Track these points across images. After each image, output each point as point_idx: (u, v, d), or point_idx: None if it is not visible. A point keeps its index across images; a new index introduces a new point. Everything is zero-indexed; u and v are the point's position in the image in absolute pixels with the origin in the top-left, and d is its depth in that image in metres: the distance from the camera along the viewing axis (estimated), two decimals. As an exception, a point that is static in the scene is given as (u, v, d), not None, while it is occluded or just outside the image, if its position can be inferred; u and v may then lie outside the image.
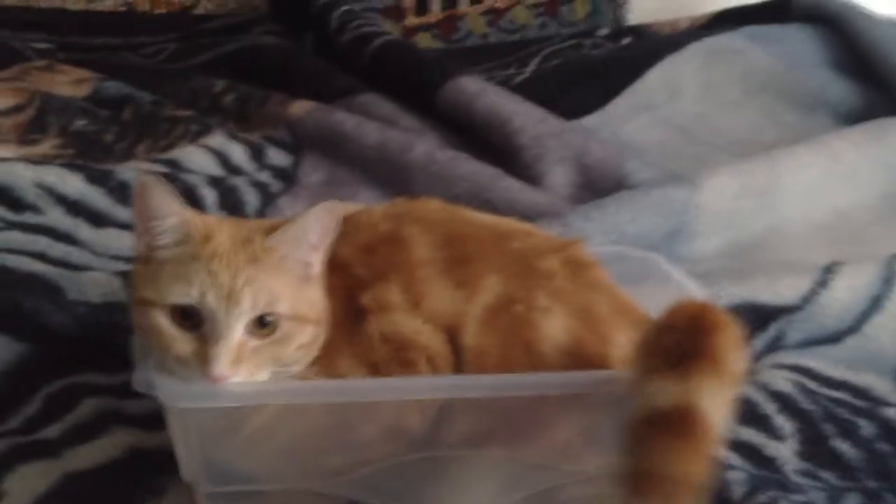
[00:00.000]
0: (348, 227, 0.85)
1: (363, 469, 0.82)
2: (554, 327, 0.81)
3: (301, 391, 0.80)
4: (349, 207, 0.95)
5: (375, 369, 0.81)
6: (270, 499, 0.85)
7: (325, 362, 0.80)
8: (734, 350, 0.74)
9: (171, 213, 0.76)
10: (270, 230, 0.78)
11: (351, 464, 0.82)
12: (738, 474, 0.94)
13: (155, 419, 0.96)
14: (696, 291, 0.93)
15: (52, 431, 0.97)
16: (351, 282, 0.83)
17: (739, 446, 1.00)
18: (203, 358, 0.74)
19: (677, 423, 0.71)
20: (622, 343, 0.81)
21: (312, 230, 0.78)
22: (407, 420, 0.81)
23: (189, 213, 0.78)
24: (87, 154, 1.50)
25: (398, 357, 0.81)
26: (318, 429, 0.81)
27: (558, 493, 0.86)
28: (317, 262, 0.79)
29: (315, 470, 0.83)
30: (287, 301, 0.76)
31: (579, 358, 0.80)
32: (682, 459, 0.71)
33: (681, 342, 0.73)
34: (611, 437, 0.80)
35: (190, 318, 0.75)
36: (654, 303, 0.80)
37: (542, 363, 0.80)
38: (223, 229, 0.78)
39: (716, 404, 0.72)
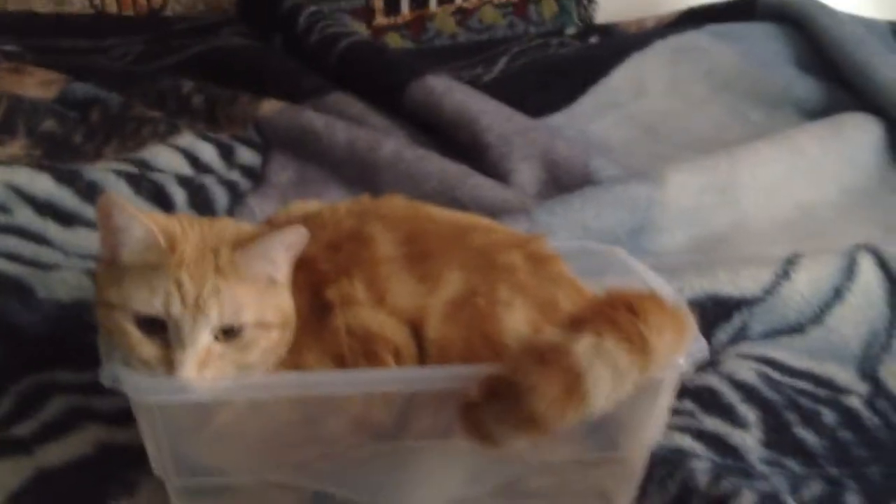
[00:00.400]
0: (313, 224, 0.85)
1: (330, 461, 0.83)
2: (516, 320, 0.82)
3: (268, 385, 0.80)
4: (314, 205, 0.96)
5: (342, 362, 0.81)
6: (240, 492, 0.86)
7: (292, 357, 0.81)
8: (663, 331, 0.77)
9: (135, 226, 0.76)
10: (238, 240, 0.78)
11: (318, 456, 0.83)
12: (703, 463, 0.95)
13: (125, 415, 0.94)
14: (657, 283, 0.94)
15: (22, 429, 0.97)
16: (316, 278, 0.83)
17: (704, 435, 1.01)
18: (168, 363, 0.75)
19: (547, 354, 0.74)
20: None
21: (279, 249, 0.78)
22: (373, 412, 0.82)
23: (154, 220, 0.77)
24: (55, 155, 1.49)
25: (364, 350, 0.82)
26: (286, 423, 0.81)
27: (523, 483, 0.88)
28: (283, 270, 0.80)
29: (283, 463, 0.83)
30: (252, 309, 0.77)
31: None
32: (534, 377, 0.73)
33: (597, 311, 0.77)
34: (573, 429, 0.81)
35: (155, 323, 0.75)
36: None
37: (503, 355, 0.79)
38: (188, 237, 0.78)
39: (602, 368, 0.74)
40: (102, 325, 0.79)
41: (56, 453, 0.93)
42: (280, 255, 0.78)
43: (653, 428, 0.87)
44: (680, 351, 0.81)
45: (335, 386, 0.80)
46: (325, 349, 0.82)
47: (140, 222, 0.76)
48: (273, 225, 0.92)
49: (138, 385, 0.77)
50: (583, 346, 0.75)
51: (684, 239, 1.39)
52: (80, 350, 1.01)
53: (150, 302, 0.75)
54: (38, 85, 1.69)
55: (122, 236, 0.76)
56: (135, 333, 0.76)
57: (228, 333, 0.76)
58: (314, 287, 0.83)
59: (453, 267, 0.84)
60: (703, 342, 0.85)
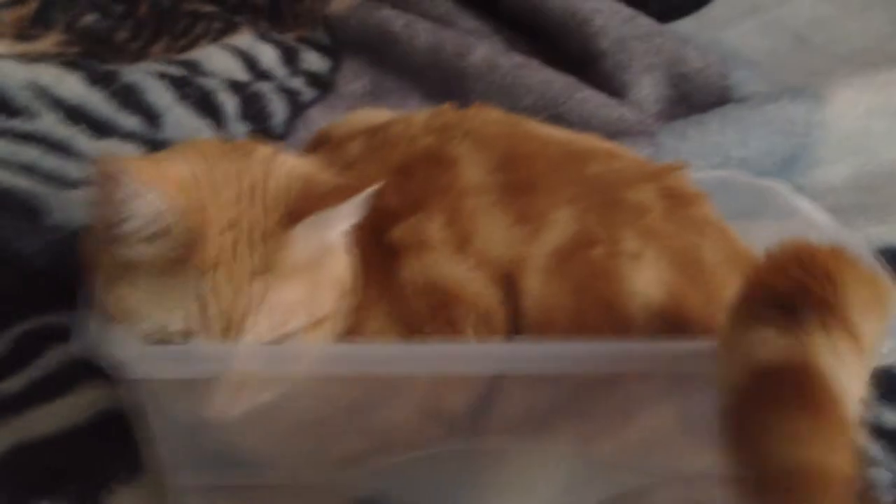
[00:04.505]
0: (381, 140, 0.76)
1: (385, 459, 0.72)
2: (645, 279, 0.70)
3: (307, 357, 0.66)
4: (383, 115, 0.85)
5: (409, 328, 0.69)
6: (257, 493, 0.74)
7: (350, 320, 0.69)
8: (868, 310, 0.61)
9: (149, 199, 0.61)
10: (289, 199, 0.64)
11: (370, 451, 0.72)
12: (885, 473, 0.82)
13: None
14: (832, 230, 0.82)
15: (11, 385, 0.85)
16: (379, 213, 0.69)
17: (884, 434, 0.87)
18: (194, 394, 0.63)
19: (792, 387, 0.56)
20: (736, 303, 0.69)
21: (346, 216, 0.65)
22: (444, 398, 0.70)
23: (172, 181, 0.62)
24: (94, 53, 1.38)
25: (438, 314, 0.69)
26: (330, 407, 0.70)
27: (643, 499, 0.76)
28: (342, 229, 0.67)
29: (323, 458, 0.72)
30: (303, 310, 0.64)
31: (678, 321, 0.69)
32: (807, 441, 0.55)
33: (792, 286, 0.60)
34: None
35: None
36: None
37: (627, 326, 0.68)
38: (217, 215, 0.63)
39: (844, 370, 0.57)
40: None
41: (42, 421, 0.82)
42: (344, 220, 0.66)
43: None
44: (883, 333, 0.64)
45: (396, 362, 0.67)
46: (390, 311, 0.70)
47: (155, 195, 0.61)
48: (329, 142, 0.81)
49: (127, 354, 0.62)
50: (822, 357, 0.57)
51: (848, 172, 1.24)
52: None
53: (166, 321, 0.61)
54: (80, -27, 1.61)
55: (127, 210, 0.61)
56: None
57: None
58: (377, 225, 0.70)
59: (562, 203, 0.72)
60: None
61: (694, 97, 1.34)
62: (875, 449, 0.84)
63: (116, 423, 0.80)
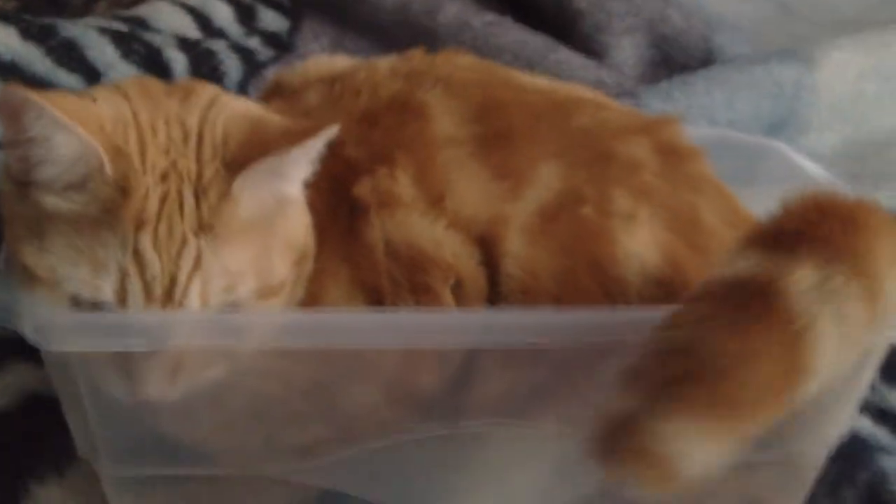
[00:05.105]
0: (340, 88, 0.71)
1: (349, 448, 0.66)
2: (639, 241, 0.66)
3: (259, 329, 0.59)
4: (342, 61, 0.79)
5: (378, 296, 0.65)
6: (203, 486, 0.67)
7: (308, 287, 0.65)
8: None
9: (64, 140, 0.55)
10: (232, 144, 0.58)
11: (331, 439, 0.66)
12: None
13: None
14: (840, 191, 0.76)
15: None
16: (341, 167, 0.65)
17: (888, 417, 0.84)
18: (126, 372, 0.57)
19: (750, 297, 0.55)
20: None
21: (301, 162, 0.59)
22: (417, 377, 0.65)
23: (93, 119, 0.57)
24: (35, 10, 1.31)
25: (409, 279, 0.65)
26: (287, 388, 0.64)
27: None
28: (300, 181, 0.62)
29: (278, 448, 0.66)
30: (253, 275, 0.58)
31: (675, 286, 0.65)
32: (736, 339, 0.54)
33: (799, 222, 0.58)
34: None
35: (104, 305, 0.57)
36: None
37: (620, 293, 0.65)
38: (151, 161, 0.57)
39: (831, 308, 0.55)
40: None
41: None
42: (300, 168, 0.60)
43: (842, 419, 0.70)
44: None
45: (362, 334, 0.61)
46: (354, 277, 0.65)
47: (74, 135, 0.55)
48: (282, 90, 0.76)
49: (49, 325, 0.55)
50: (802, 281, 0.55)
51: (839, 140, 1.21)
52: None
53: (94, 285, 0.55)
54: (20, -75, 1.54)
55: (40, 152, 0.56)
56: None
57: None
58: (339, 180, 0.66)
59: (546, 158, 0.68)
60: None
61: (676, 59, 1.32)
62: (882, 434, 0.80)
63: (47, 408, 0.73)
